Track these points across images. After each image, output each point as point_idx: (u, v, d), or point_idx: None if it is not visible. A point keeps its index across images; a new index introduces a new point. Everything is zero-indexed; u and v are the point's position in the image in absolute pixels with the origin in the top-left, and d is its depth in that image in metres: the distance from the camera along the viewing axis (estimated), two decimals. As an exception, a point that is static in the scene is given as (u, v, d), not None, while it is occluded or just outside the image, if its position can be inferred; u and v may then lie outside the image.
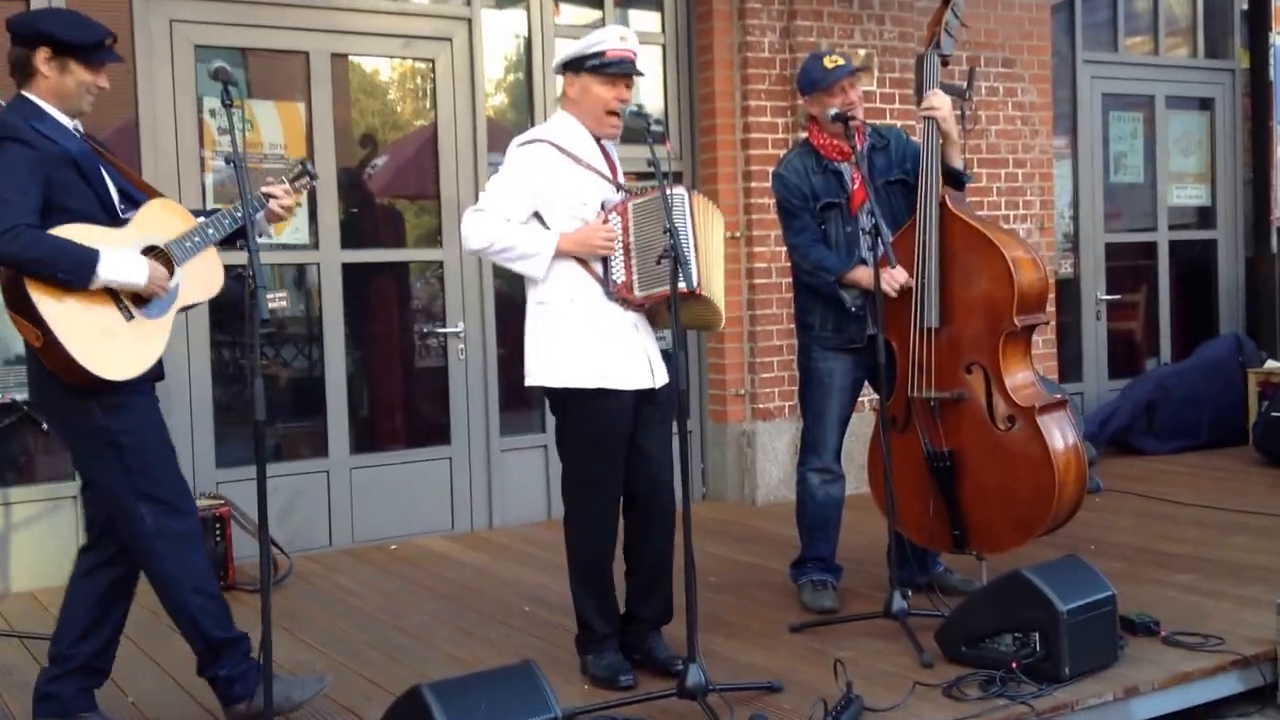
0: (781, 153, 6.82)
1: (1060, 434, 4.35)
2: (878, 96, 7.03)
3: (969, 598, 4.15)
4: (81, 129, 3.57)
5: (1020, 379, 4.40)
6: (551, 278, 3.95)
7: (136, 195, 3.62)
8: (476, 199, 6.26)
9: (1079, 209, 8.40)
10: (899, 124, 7.13)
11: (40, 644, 4.53)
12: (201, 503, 5.36)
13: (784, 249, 4.93)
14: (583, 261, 3.94)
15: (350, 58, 6.30)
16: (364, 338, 6.42)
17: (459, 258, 6.36)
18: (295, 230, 6.05)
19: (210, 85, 5.76)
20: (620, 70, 3.93)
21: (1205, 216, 9.05)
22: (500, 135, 6.72)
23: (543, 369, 4.00)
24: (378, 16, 6.19)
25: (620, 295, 3.92)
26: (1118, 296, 8.51)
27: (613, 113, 3.97)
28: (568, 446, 4.05)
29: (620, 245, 3.90)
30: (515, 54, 6.69)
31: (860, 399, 4.89)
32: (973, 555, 4.57)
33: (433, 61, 6.35)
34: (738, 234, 6.82)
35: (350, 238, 6.28)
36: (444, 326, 6.40)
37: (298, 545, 5.91)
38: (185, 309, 3.60)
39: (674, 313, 3.65)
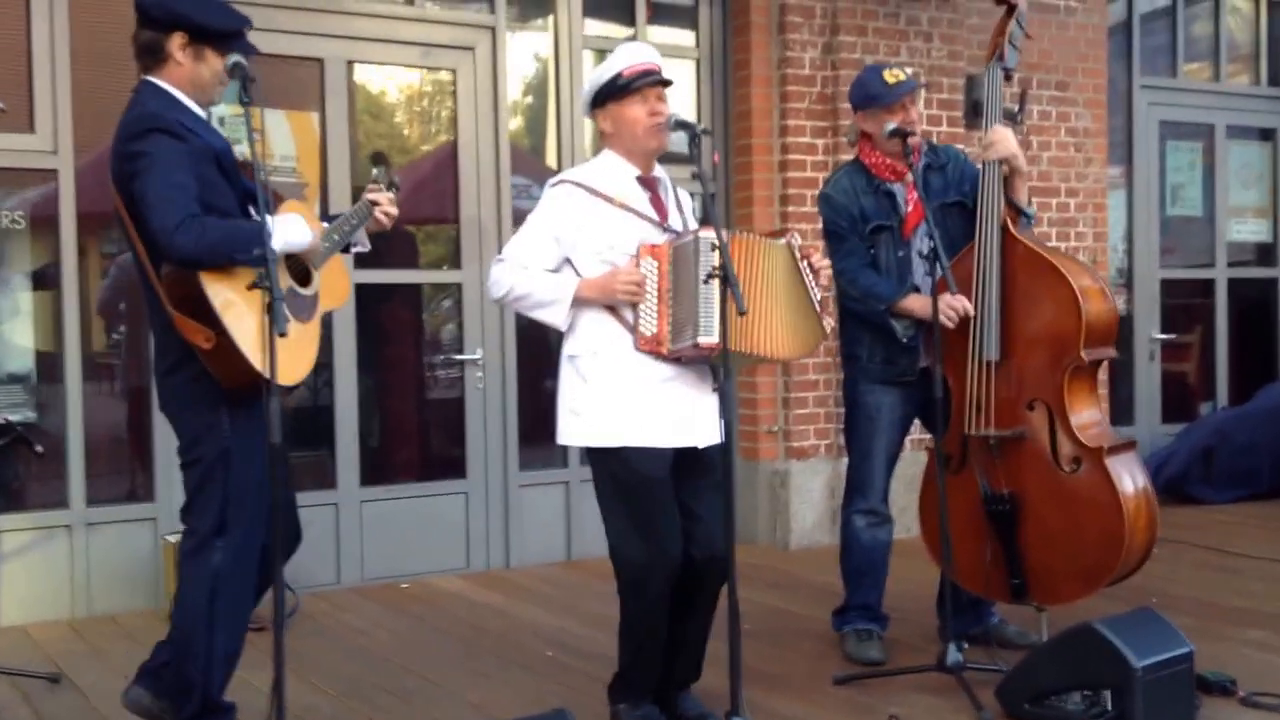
0: (822, 175, 6.77)
1: (1130, 477, 4.21)
2: (925, 118, 6.93)
3: (1033, 651, 4.00)
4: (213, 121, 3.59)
5: (1086, 417, 4.26)
6: (580, 328, 3.82)
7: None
8: (498, 219, 6.32)
9: (1133, 243, 8.29)
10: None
11: (32, 683, 4.43)
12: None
13: None
14: (614, 311, 3.79)
15: (366, 68, 6.23)
16: (376, 363, 6.32)
17: (478, 280, 6.26)
18: (306, 247, 5.97)
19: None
20: (645, 83, 3.79)
21: (1266, 253, 8.92)
22: (524, 152, 6.65)
23: (565, 427, 3.88)
24: (396, 23, 6.13)
25: (648, 350, 3.74)
26: (1173, 336, 8.38)
27: (654, 126, 3.81)
28: (606, 505, 3.87)
29: (654, 291, 3.72)
30: (540, 67, 6.62)
31: (907, 436, 4.75)
32: (1032, 606, 4.41)
33: (454, 72, 6.28)
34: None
35: (364, 257, 6.13)
36: (462, 354, 6.30)
37: (303, 582, 5.78)
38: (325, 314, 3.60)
39: (724, 370, 3.48)
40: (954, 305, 4.27)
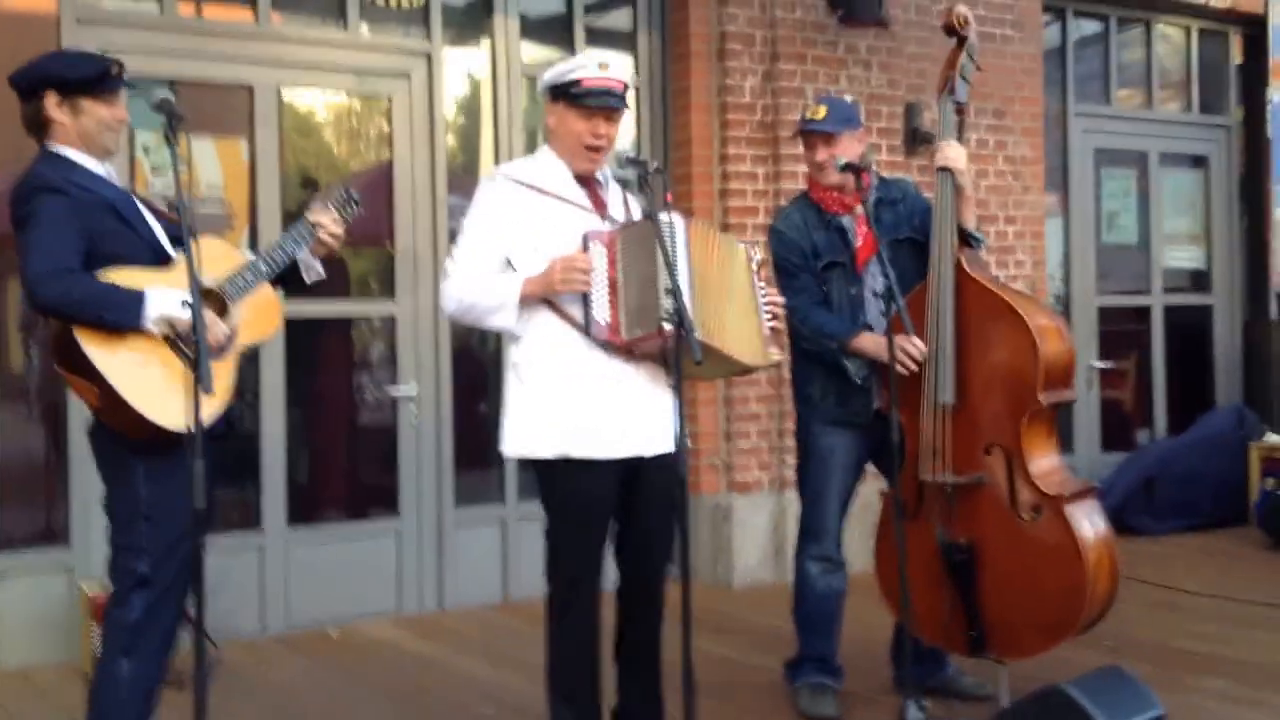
0: (763, 204, 6.73)
1: (1091, 525, 4.16)
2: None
3: (999, 715, 3.93)
4: (114, 174, 3.52)
5: (1045, 463, 4.20)
6: (525, 332, 3.71)
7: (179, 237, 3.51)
8: (434, 248, 6.16)
9: (1070, 270, 8.34)
10: (885, 174, 7.10)
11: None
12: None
13: None
14: (555, 308, 3.67)
15: (298, 92, 6.06)
16: (305, 398, 6.14)
17: (413, 312, 6.12)
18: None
19: (143, 118, 5.48)
20: (598, 103, 3.69)
21: (1200, 280, 9.02)
22: (460, 179, 6.51)
23: (507, 435, 3.78)
24: (329, 49, 5.99)
25: (604, 338, 3.62)
26: (1111, 364, 8.43)
27: (590, 148, 3.72)
28: (546, 522, 3.79)
29: (605, 280, 3.60)
30: (477, 93, 6.49)
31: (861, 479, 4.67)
32: (992, 659, 4.33)
33: (389, 99, 6.13)
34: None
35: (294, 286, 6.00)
36: (395, 387, 6.14)
37: (224, 630, 5.57)
38: (245, 350, 3.48)
39: (676, 365, 3.34)
40: (908, 350, 4.19)
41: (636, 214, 3.82)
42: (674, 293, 3.32)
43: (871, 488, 4.59)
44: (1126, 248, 8.71)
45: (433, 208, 6.19)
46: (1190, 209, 8.96)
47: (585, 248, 3.62)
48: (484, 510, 6.37)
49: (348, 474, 6.45)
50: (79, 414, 5.34)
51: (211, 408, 3.30)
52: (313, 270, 3.73)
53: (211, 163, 5.76)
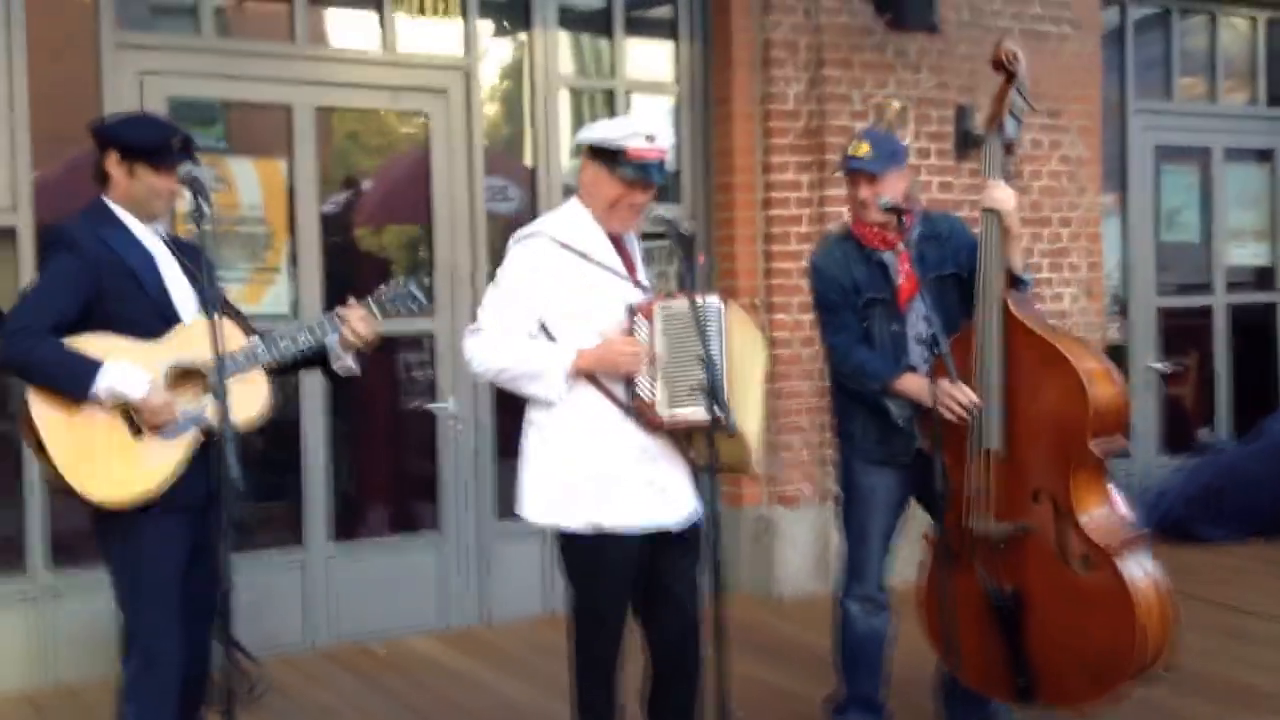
0: (806, 213, 6.71)
1: (1143, 573, 4.07)
2: (915, 151, 6.86)
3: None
4: (164, 232, 3.66)
5: (1097, 513, 4.10)
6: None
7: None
8: (473, 263, 6.21)
9: (1129, 271, 8.22)
10: (935, 180, 7.04)
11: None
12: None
13: (808, 317, 4.68)
14: (596, 381, 3.71)
15: (336, 111, 6.13)
16: (347, 413, 6.24)
17: (451, 328, 6.18)
18: (273, 298, 5.87)
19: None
20: (639, 176, 3.70)
21: (1266, 277, 8.86)
22: (495, 199, 6.55)
23: (530, 502, 3.83)
24: (367, 66, 6.04)
25: (642, 415, 3.68)
26: (1170, 365, 8.31)
27: (624, 214, 3.76)
28: (570, 589, 3.85)
29: (645, 355, 3.67)
30: (515, 107, 6.52)
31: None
32: (1039, 708, 4.24)
33: (426, 116, 6.18)
34: (756, 300, 6.64)
35: (333, 304, 6.06)
36: (435, 402, 6.21)
37: (270, 646, 5.70)
38: (217, 433, 3.38)
39: (710, 443, 3.45)
40: (957, 397, 4.09)
41: (641, 271, 3.88)
42: (713, 375, 3.40)
43: (919, 522, 4.52)
44: (1188, 246, 8.57)
45: (471, 224, 6.24)
46: (1255, 204, 8.80)
47: (630, 323, 3.67)
48: (525, 523, 6.39)
49: (389, 489, 6.55)
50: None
51: (145, 482, 3.39)
52: (341, 363, 3.74)
53: (251, 183, 5.85)
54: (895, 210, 4.20)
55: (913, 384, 4.23)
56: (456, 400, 6.17)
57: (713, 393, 3.41)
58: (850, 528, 4.49)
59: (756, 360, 3.83)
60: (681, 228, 3.63)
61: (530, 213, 6.39)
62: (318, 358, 3.71)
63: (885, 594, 4.47)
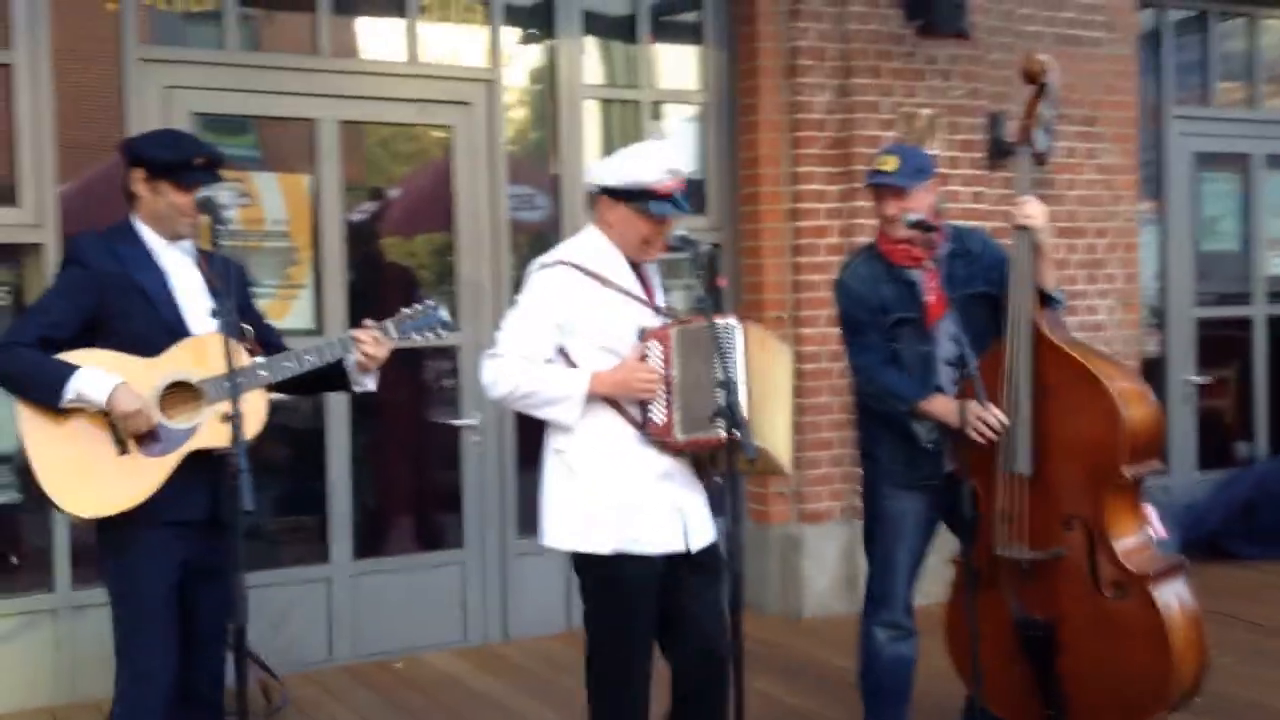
0: (835, 224, 6.64)
1: (1178, 603, 4.00)
2: (946, 160, 6.78)
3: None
4: (193, 249, 3.62)
5: (1131, 541, 4.03)
6: (577, 424, 3.74)
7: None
8: (496, 276, 6.19)
9: (1166, 280, 8.10)
10: (967, 190, 6.95)
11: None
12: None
13: (836, 330, 4.59)
14: (614, 403, 3.71)
15: (361, 125, 6.12)
16: (371, 427, 6.23)
17: (475, 343, 6.15)
18: (297, 313, 5.87)
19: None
20: (667, 211, 3.70)
21: (1308, 288, 8.72)
22: (522, 209, 6.53)
23: (553, 529, 3.80)
24: (391, 80, 6.02)
25: (658, 438, 3.67)
26: (1209, 378, 8.18)
27: (652, 242, 3.76)
28: (589, 616, 3.83)
29: (661, 379, 3.65)
30: (540, 118, 6.50)
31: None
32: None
33: (450, 128, 6.16)
34: (784, 314, 6.59)
35: (358, 319, 6.06)
36: (458, 417, 6.19)
37: (292, 661, 5.72)
38: (211, 452, 3.40)
39: (730, 466, 3.42)
40: (986, 419, 4.02)
41: (661, 297, 3.85)
42: (730, 397, 3.37)
43: (948, 539, 4.44)
44: (1227, 255, 8.44)
45: (494, 236, 6.22)
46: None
47: (643, 347, 3.66)
48: (549, 539, 6.40)
49: (412, 505, 6.54)
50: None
51: (124, 498, 3.36)
52: (358, 383, 3.72)
53: (275, 197, 5.85)
54: (922, 226, 4.13)
55: (941, 405, 4.16)
56: (479, 414, 6.15)
57: (731, 416, 3.37)
58: (876, 553, 4.41)
59: (779, 372, 3.78)
60: (701, 248, 3.60)
61: (556, 221, 6.39)
62: (334, 377, 3.68)
63: (912, 619, 4.38)
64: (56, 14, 5.31)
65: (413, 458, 6.47)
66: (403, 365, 6.32)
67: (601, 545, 3.69)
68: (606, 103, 6.70)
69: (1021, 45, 7.11)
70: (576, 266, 3.74)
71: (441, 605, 6.17)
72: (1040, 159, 4.32)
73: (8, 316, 5.45)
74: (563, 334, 3.73)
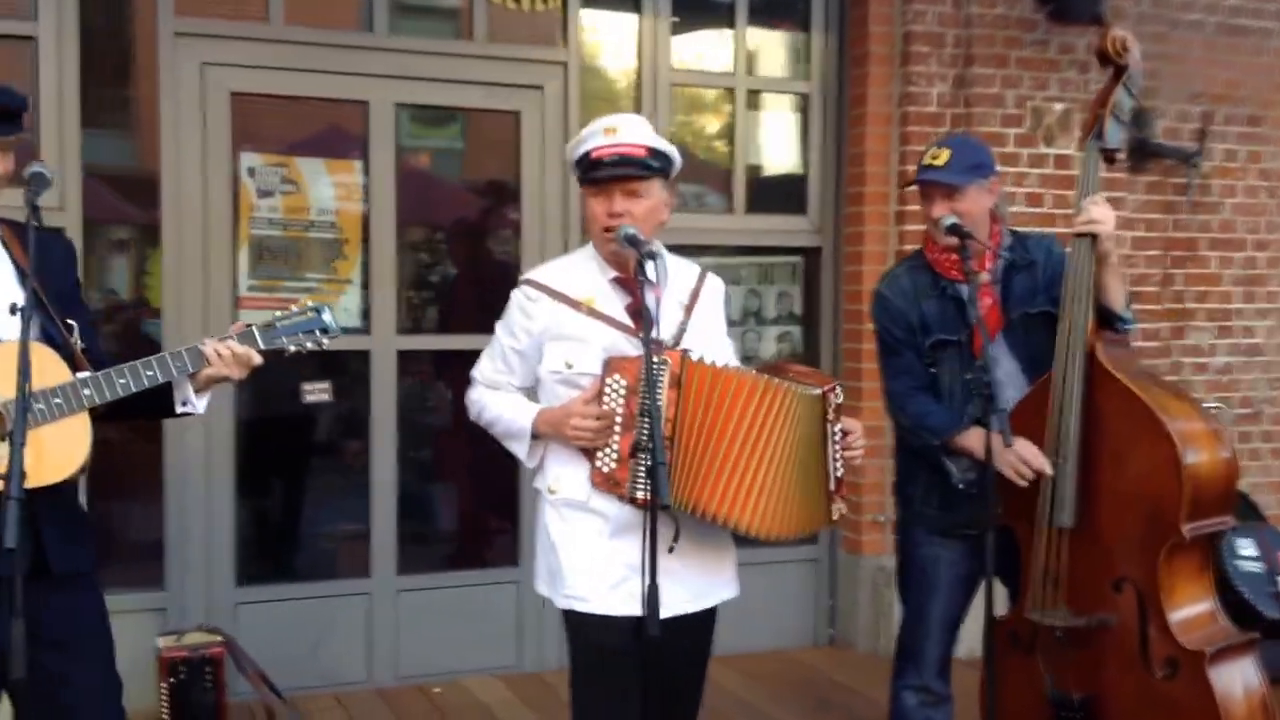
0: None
1: (1243, 687, 3.43)
2: (1074, 161, 6.11)
3: None
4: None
5: (1190, 611, 3.46)
6: (548, 464, 3.31)
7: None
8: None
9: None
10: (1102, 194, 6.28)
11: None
12: (195, 638, 4.95)
13: None
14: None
15: (418, 108, 5.75)
16: (419, 438, 5.89)
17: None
18: (343, 311, 5.54)
19: (249, 137, 5.33)
20: (609, 174, 3.15)
21: None
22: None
23: (537, 573, 3.43)
24: (453, 60, 5.64)
25: (605, 490, 3.13)
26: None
27: (607, 229, 3.19)
28: (571, 668, 3.40)
29: (620, 418, 3.09)
30: (617, 106, 6.05)
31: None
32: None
33: (518, 115, 5.76)
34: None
35: (409, 321, 5.77)
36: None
37: (331, 678, 5.45)
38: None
39: (650, 533, 2.88)
40: (1027, 459, 3.51)
41: (717, 327, 3.42)
42: (649, 442, 2.87)
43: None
44: None
45: (564, 232, 5.80)
46: None
47: (602, 383, 3.13)
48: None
49: (462, 520, 6.19)
50: (174, 452, 5.27)
51: None
52: (186, 400, 3.01)
53: (323, 184, 5.53)
54: (957, 231, 3.56)
55: (976, 440, 3.61)
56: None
57: (650, 467, 2.84)
58: (908, 605, 3.95)
59: (782, 423, 3.12)
60: (646, 249, 3.07)
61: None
62: (164, 396, 2.94)
63: (947, 683, 3.91)
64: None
65: (464, 470, 6.11)
66: (453, 369, 5.96)
67: (568, 601, 3.28)
68: (695, 90, 6.22)
69: (1175, 36, 6.43)
70: (540, 285, 3.29)
71: (493, 628, 5.79)
72: (1110, 156, 3.73)
73: None
74: (527, 361, 3.32)
